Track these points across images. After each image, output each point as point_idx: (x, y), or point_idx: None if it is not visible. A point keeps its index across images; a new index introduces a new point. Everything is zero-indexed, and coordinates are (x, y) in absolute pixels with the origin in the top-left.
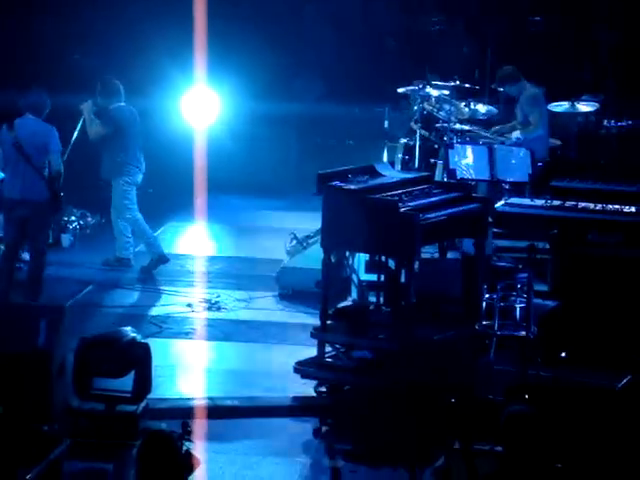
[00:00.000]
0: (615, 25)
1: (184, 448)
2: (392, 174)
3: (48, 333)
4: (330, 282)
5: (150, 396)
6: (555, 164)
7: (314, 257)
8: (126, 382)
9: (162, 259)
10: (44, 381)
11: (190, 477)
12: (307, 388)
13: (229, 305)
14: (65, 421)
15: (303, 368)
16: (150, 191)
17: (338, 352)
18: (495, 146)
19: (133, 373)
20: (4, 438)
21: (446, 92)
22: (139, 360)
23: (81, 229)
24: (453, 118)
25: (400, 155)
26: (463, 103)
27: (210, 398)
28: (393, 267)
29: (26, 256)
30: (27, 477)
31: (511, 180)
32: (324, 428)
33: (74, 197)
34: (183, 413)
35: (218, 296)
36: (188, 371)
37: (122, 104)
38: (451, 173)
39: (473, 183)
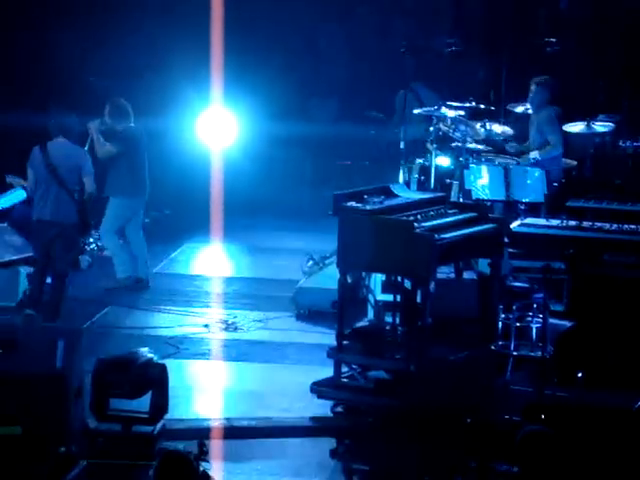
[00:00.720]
0: (630, 45)
1: (201, 469)
2: (407, 195)
3: (66, 354)
4: (346, 302)
5: (167, 417)
6: (571, 184)
7: (330, 277)
8: (143, 403)
9: (142, 283)
10: (61, 402)
11: None
12: (324, 408)
13: (246, 326)
14: (82, 442)
15: (320, 388)
16: (167, 212)
17: (354, 372)
18: (510, 166)
19: (150, 394)
20: (22, 459)
21: (462, 113)
22: (156, 381)
23: (99, 250)
24: (469, 139)
25: (416, 175)
26: (479, 124)
27: (227, 419)
28: (409, 287)
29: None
30: None
31: (527, 200)
32: (341, 448)
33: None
34: (200, 434)
35: (235, 317)
36: (205, 392)
37: (132, 125)
38: (467, 193)
39: (489, 203)
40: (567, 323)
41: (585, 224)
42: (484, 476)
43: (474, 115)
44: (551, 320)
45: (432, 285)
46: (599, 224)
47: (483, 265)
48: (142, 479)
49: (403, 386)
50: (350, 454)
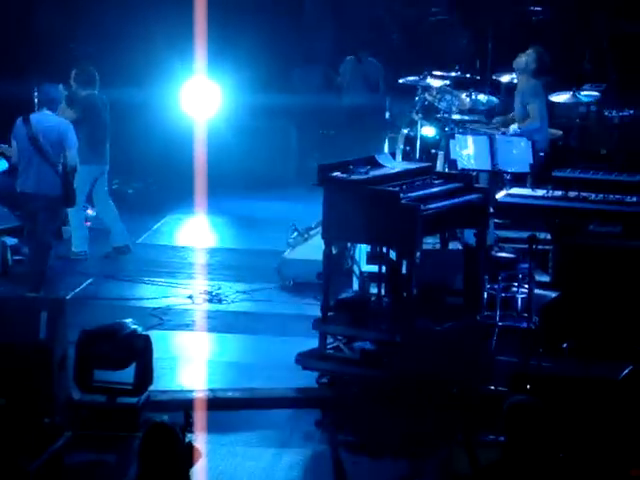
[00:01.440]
0: (616, 14)
1: (186, 440)
2: (393, 165)
3: (49, 326)
4: (331, 273)
5: (151, 388)
6: (556, 154)
7: (315, 248)
8: (127, 374)
9: (123, 251)
10: (45, 373)
11: (192, 469)
12: (309, 380)
13: (230, 297)
14: (66, 413)
15: (305, 359)
16: (151, 183)
17: (339, 343)
18: (496, 136)
19: (134, 365)
20: (6, 430)
21: (447, 82)
22: (140, 352)
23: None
24: (454, 109)
25: (401, 146)
26: (464, 93)
27: (211, 390)
28: (394, 258)
29: (27, 250)
30: (29, 469)
31: (512, 170)
32: (326, 420)
33: None
34: (184, 405)
35: (219, 288)
36: (189, 363)
37: (95, 92)
38: (452, 163)
39: (474, 173)
40: (552, 293)
41: (571, 194)
42: (470, 446)
43: (460, 84)
44: (536, 290)
45: (417, 256)
46: (585, 194)
47: (469, 235)
48: (127, 450)
49: (388, 357)
50: (335, 425)
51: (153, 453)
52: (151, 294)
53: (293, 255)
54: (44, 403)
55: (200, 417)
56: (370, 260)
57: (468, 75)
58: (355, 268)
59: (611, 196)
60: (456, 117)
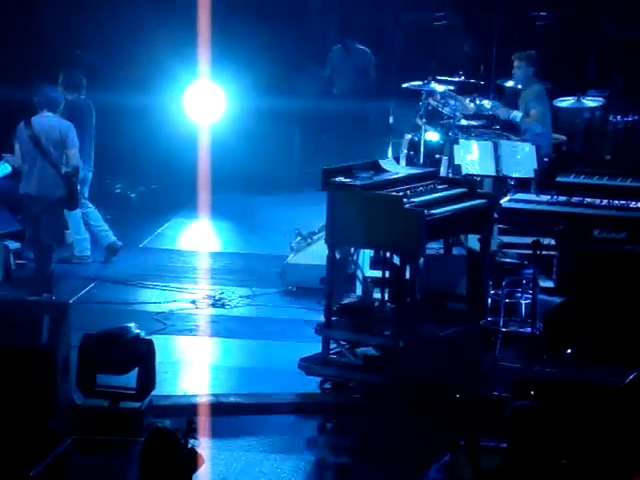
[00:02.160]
0: (621, 19)
1: (188, 445)
2: (397, 170)
3: (52, 330)
4: (334, 278)
5: (154, 393)
6: (561, 159)
7: (318, 253)
8: (130, 379)
9: (114, 250)
10: (48, 377)
11: (194, 474)
12: (312, 385)
13: (233, 302)
14: (69, 418)
15: (307, 365)
16: (154, 187)
17: (342, 349)
18: (500, 141)
19: (137, 370)
20: (8, 435)
21: (451, 87)
22: (143, 357)
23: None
24: (458, 114)
25: (405, 150)
26: (468, 99)
27: (214, 395)
28: (398, 263)
29: (30, 254)
30: (31, 474)
31: (516, 176)
32: (328, 425)
33: None
34: (187, 410)
35: (222, 292)
36: (192, 368)
37: (81, 96)
38: (456, 169)
39: (478, 179)
40: (557, 299)
41: (575, 200)
42: (472, 452)
43: (464, 90)
44: (541, 296)
45: (421, 261)
46: (589, 200)
47: (472, 241)
48: (129, 455)
49: (392, 362)
50: (338, 430)
51: (154, 458)
52: (154, 298)
53: (296, 260)
54: (46, 407)
55: (203, 422)
56: (373, 265)
57: (472, 80)
58: (358, 273)
59: (616, 202)
60: (461, 122)
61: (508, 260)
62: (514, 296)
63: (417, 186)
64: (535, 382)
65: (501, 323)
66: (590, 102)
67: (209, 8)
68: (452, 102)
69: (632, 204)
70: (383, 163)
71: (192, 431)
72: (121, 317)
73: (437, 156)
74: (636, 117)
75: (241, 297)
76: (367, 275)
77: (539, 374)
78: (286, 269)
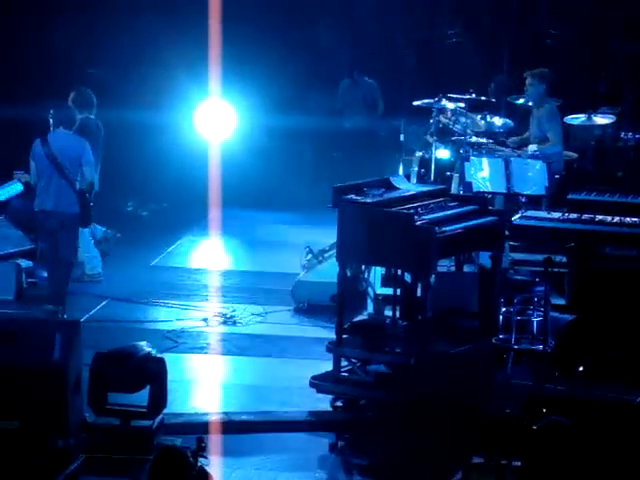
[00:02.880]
0: (631, 35)
1: (198, 464)
2: (408, 187)
3: (63, 348)
4: (346, 296)
5: (165, 411)
6: (572, 177)
7: (329, 271)
8: (141, 397)
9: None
10: (59, 396)
11: None
12: (323, 403)
13: (244, 319)
14: (80, 436)
15: (319, 382)
16: (165, 205)
17: (354, 366)
18: (511, 159)
19: (148, 388)
20: (19, 453)
21: (462, 105)
22: (154, 375)
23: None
24: (469, 131)
25: (416, 168)
26: (479, 116)
27: (225, 413)
28: (409, 281)
29: (42, 272)
30: None
31: (528, 193)
32: (340, 443)
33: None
34: (198, 428)
35: (233, 310)
36: (203, 386)
37: (91, 117)
38: (467, 186)
39: (489, 196)
40: (568, 316)
41: (586, 217)
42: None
43: (475, 107)
44: (552, 313)
45: (432, 278)
46: (600, 217)
47: (484, 258)
48: (140, 474)
49: (403, 380)
50: (350, 449)
51: (163, 477)
52: (166, 316)
53: (307, 277)
54: (58, 426)
55: (214, 440)
56: (385, 283)
57: (483, 97)
58: (370, 291)
59: (627, 219)
60: (471, 140)
61: (519, 277)
62: (526, 313)
63: (428, 203)
64: (547, 400)
65: (512, 340)
66: (601, 119)
67: (220, 26)
68: (463, 119)
69: None
70: (394, 180)
71: (202, 450)
72: (132, 335)
73: (448, 173)
74: None
75: (252, 315)
76: (378, 292)
77: (550, 391)
78: (297, 286)
